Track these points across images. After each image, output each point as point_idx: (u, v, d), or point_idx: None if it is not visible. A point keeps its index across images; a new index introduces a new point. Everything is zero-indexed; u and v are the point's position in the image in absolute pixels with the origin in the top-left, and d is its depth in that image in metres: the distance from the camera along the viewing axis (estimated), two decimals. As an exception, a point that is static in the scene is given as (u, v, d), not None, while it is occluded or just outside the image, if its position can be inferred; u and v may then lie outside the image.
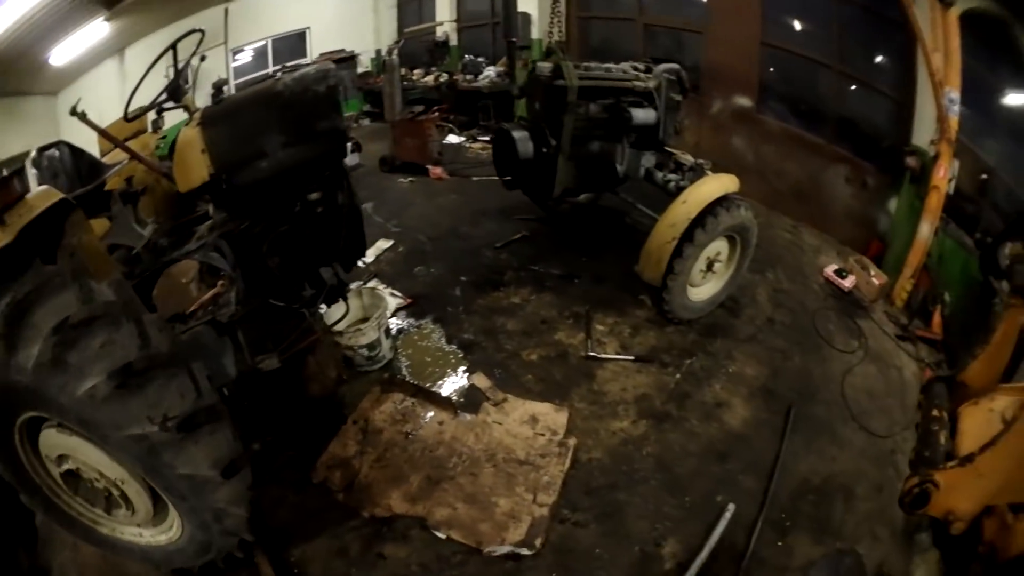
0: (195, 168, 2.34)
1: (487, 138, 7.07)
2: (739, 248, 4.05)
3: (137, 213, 3.19)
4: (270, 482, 2.70)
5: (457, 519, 2.69)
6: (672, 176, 4.19)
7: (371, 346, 3.50)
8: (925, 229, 4.65)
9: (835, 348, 4.20)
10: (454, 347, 3.88)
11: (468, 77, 8.26)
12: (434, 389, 3.48)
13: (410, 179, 6.67)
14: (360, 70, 9.62)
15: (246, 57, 8.92)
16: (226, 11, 8.02)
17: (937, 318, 4.63)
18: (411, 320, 4.17)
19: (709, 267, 3.98)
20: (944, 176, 4.43)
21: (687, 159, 4.32)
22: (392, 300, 4.29)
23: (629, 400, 3.42)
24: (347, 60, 9.25)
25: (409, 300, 4.34)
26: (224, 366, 2.37)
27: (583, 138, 4.03)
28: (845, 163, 5.51)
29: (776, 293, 4.61)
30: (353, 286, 3.46)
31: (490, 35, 8.65)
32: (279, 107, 2.38)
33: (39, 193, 1.94)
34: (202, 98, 8.24)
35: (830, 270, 5.00)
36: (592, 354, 3.70)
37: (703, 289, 4.09)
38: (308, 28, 9.06)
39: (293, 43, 9.32)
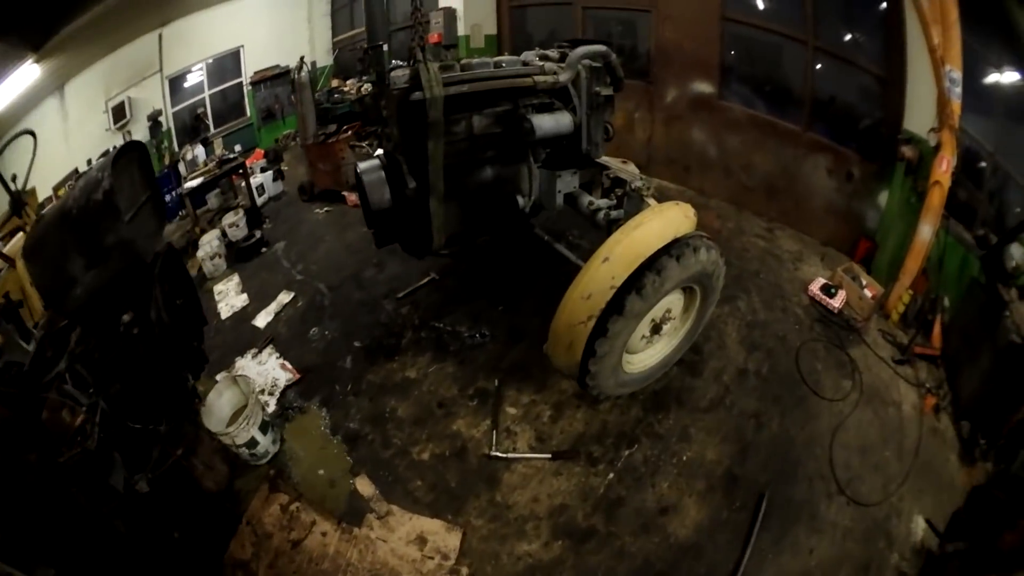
0: (36, 299, 2.51)
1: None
2: (699, 297, 3.05)
3: (22, 326, 3.20)
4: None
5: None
6: (601, 203, 3.19)
7: (249, 444, 3.02)
8: (926, 231, 3.75)
9: (823, 398, 3.35)
10: (339, 439, 3.19)
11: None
12: (317, 492, 2.92)
13: (326, 208, 5.86)
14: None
15: (195, 79, 8.34)
16: (160, 37, 7.40)
17: (937, 329, 3.83)
18: (299, 400, 3.54)
19: (656, 329, 2.99)
20: (947, 170, 3.53)
21: (629, 171, 3.36)
22: (282, 375, 3.74)
23: (541, 514, 2.62)
24: (283, 75, 8.54)
25: (298, 375, 3.72)
26: (111, 486, 2.43)
27: (466, 165, 3.02)
28: (825, 152, 4.59)
29: (750, 330, 3.72)
30: (220, 377, 3.29)
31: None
32: (71, 227, 2.41)
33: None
34: (140, 130, 7.70)
35: (816, 287, 4.11)
36: (496, 454, 2.86)
37: (647, 355, 3.07)
38: (242, 46, 8.34)
39: (228, 63, 8.63)
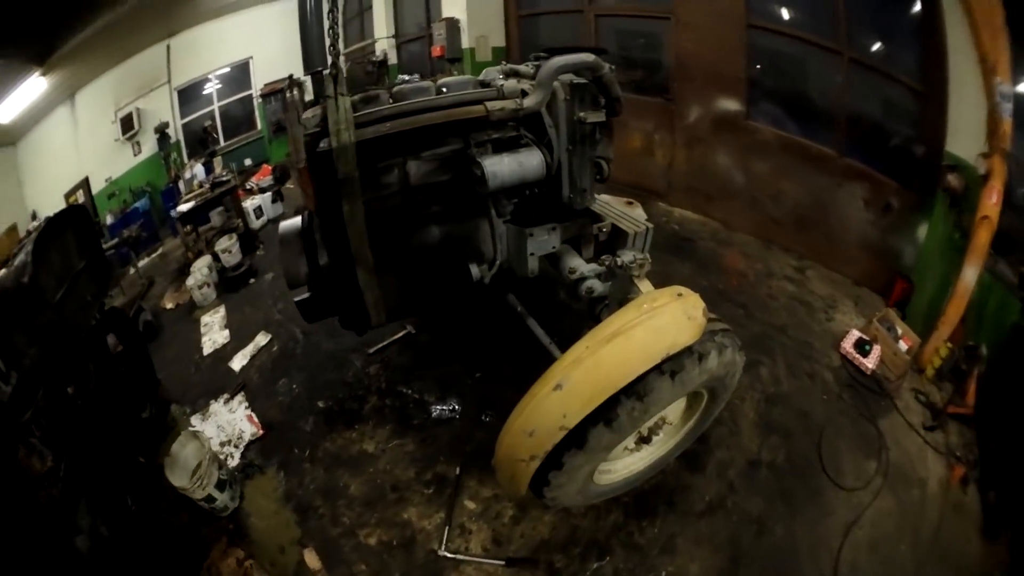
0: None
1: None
2: (706, 399, 2.47)
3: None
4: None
5: None
6: (586, 269, 2.50)
7: (207, 500, 2.95)
8: (970, 275, 3.22)
9: (842, 488, 2.85)
10: (291, 508, 2.99)
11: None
12: (268, 555, 2.80)
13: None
14: (308, 97, 8.71)
15: (206, 90, 8.30)
16: (168, 48, 7.41)
17: (972, 384, 3.29)
18: (260, 459, 3.34)
19: (644, 439, 2.45)
20: (997, 203, 2.97)
21: (632, 219, 2.67)
22: (247, 428, 3.57)
23: (486, 637, 2.25)
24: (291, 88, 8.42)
25: (261, 431, 3.51)
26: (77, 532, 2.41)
27: (403, 225, 2.39)
28: (862, 180, 4.01)
29: (770, 407, 3.20)
30: (183, 435, 3.03)
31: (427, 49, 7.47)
32: (6, 308, 2.43)
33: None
34: (148, 141, 7.67)
35: (849, 344, 3.58)
36: (444, 553, 2.52)
37: (632, 461, 2.53)
38: (251, 58, 8.27)
39: (237, 75, 8.60)
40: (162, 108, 8.15)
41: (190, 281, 5.00)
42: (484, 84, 2.46)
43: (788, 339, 3.68)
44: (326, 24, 2.21)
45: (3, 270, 2.51)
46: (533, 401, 1.91)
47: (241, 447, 3.41)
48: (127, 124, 7.85)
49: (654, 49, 5.20)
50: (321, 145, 2.06)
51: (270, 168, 8.04)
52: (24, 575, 2.10)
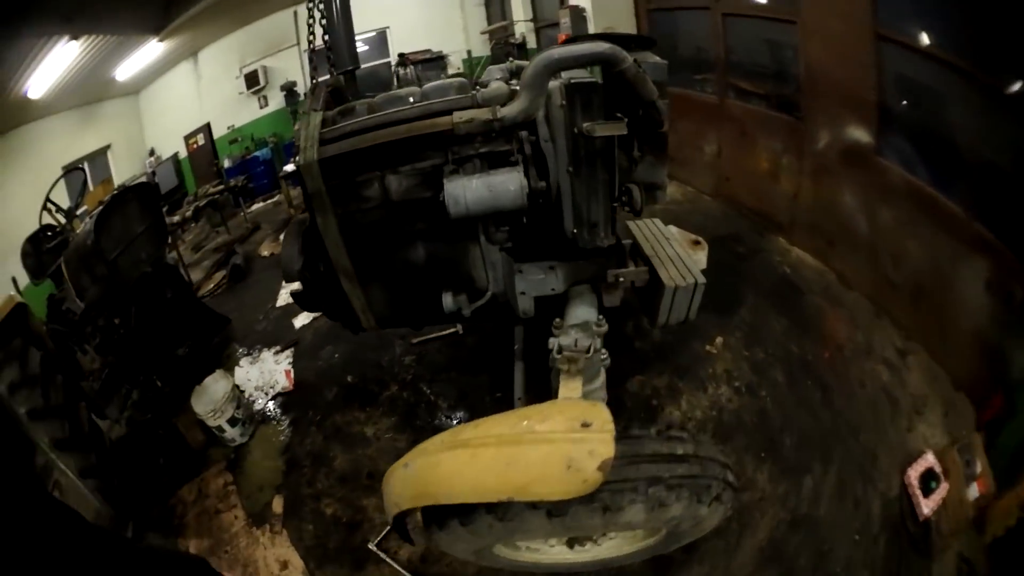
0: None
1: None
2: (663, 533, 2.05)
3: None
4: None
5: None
6: (564, 340, 2.07)
7: (218, 429, 3.54)
8: None
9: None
10: (283, 459, 3.46)
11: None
12: (248, 487, 3.37)
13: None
14: (449, 72, 9.01)
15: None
16: (295, 14, 8.04)
17: None
18: (278, 410, 3.87)
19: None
20: None
21: (683, 267, 2.26)
22: (281, 380, 4.11)
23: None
24: (435, 60, 8.72)
25: (292, 387, 4.02)
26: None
27: (386, 242, 2.19)
28: (988, 255, 3.01)
29: (791, 529, 2.63)
30: (218, 372, 3.66)
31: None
32: (78, 258, 3.50)
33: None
34: (276, 96, 8.52)
35: (916, 473, 2.82)
36: (373, 548, 2.72)
37: (564, 552, 2.24)
38: (388, 27, 8.79)
39: (374, 43, 9.04)
40: (291, 68, 8.80)
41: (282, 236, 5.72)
42: (481, 86, 2.10)
43: (856, 446, 3.00)
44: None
45: (81, 229, 3.55)
46: (395, 464, 1.76)
47: (270, 395, 3.96)
48: (251, 80, 8.72)
49: (783, 58, 4.43)
50: (294, 159, 2.06)
51: None
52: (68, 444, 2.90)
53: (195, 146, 8.63)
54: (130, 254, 3.63)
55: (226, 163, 8.47)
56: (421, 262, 2.23)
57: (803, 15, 3.94)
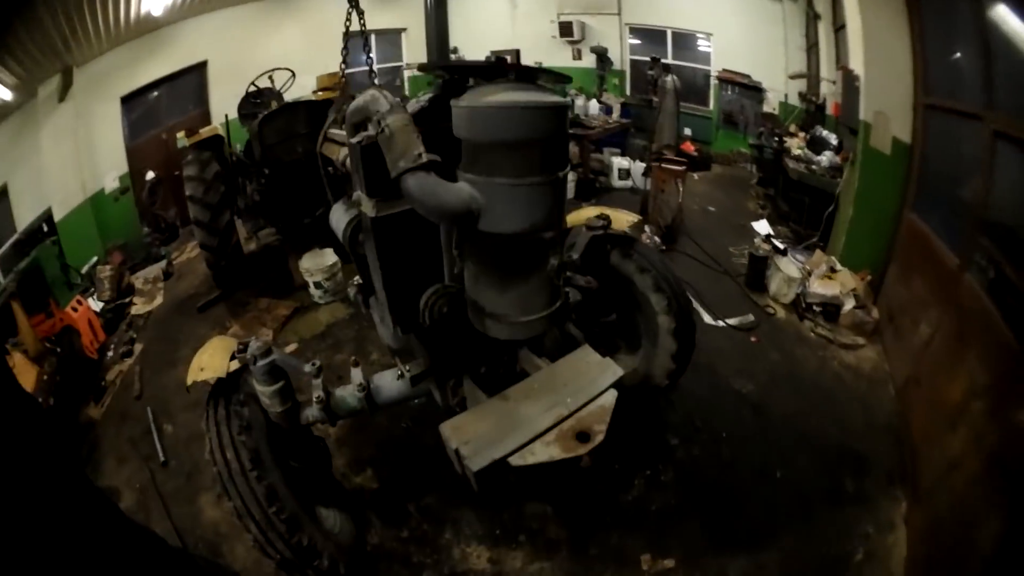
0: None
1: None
2: None
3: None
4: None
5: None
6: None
7: (315, 285, 5.07)
8: None
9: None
10: (319, 332, 4.71)
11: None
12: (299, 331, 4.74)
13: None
14: (766, 109, 8.05)
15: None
16: None
17: None
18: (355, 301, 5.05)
19: None
20: None
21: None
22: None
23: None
24: (752, 89, 8.04)
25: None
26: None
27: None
28: None
29: None
30: (330, 251, 5.08)
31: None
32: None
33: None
34: (589, 55, 9.20)
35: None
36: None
37: None
38: (711, 34, 8.29)
39: (688, 41, 8.87)
40: (609, 34, 9.13)
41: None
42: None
43: None
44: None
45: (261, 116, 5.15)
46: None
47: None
48: (565, 29, 9.25)
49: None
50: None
51: (692, 146, 8.09)
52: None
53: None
54: (287, 145, 5.03)
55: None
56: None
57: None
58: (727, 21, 8.03)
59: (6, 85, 5.42)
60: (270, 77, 6.06)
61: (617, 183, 7.42)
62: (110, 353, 4.91)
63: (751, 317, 4.36)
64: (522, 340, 2.26)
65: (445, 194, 1.67)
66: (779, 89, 7.83)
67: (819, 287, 4.18)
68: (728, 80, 8.29)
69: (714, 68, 8.51)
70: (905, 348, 3.64)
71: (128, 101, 7.19)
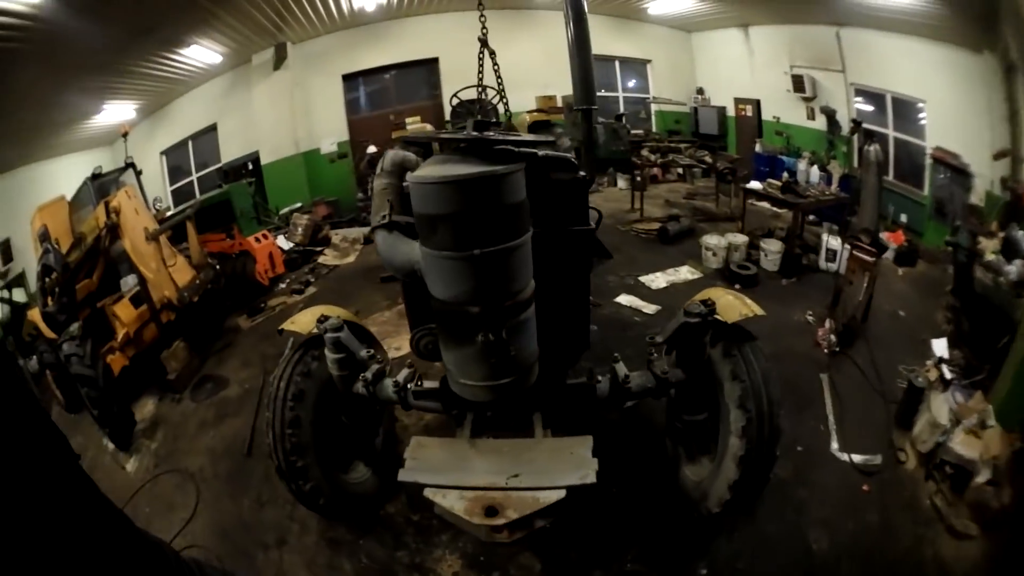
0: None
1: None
2: None
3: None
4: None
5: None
6: None
7: None
8: None
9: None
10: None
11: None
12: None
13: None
14: (972, 200, 6.37)
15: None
16: (837, 35, 7.47)
17: None
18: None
19: None
20: None
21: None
22: None
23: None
24: (960, 173, 6.51)
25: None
26: None
27: None
28: None
29: None
30: None
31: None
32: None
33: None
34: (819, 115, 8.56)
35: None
36: None
37: None
38: (925, 101, 6.89)
39: (908, 110, 7.39)
40: (836, 94, 8.13)
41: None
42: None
43: None
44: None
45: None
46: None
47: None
48: (798, 83, 8.43)
49: None
50: None
51: (901, 236, 6.99)
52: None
53: (743, 113, 9.77)
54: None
55: (757, 147, 9.21)
56: None
57: None
58: (939, 84, 6.60)
59: (215, 51, 6.59)
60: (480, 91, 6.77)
61: (823, 264, 6.68)
62: (282, 285, 6.03)
63: (878, 459, 3.64)
64: (494, 401, 2.36)
65: (396, 252, 2.15)
66: (986, 174, 6.21)
67: (959, 444, 3.34)
68: (941, 160, 6.80)
69: (929, 143, 7.05)
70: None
71: (349, 80, 8.52)
